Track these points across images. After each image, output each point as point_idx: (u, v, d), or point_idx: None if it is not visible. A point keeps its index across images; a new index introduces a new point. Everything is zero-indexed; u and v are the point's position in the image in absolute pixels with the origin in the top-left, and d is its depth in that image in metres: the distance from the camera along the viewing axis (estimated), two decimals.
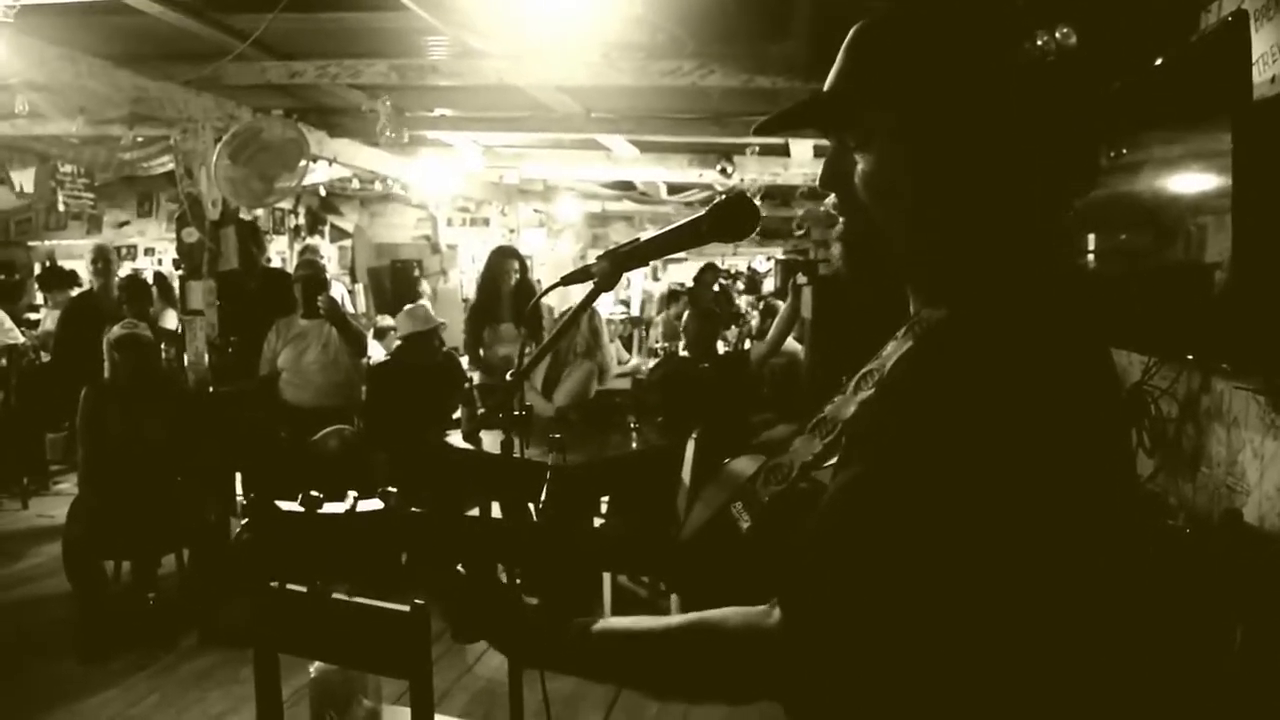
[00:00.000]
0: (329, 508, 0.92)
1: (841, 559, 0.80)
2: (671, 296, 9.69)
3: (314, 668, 2.01)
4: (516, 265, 5.14)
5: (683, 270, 14.15)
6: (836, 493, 0.83)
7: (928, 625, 0.78)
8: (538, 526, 1.02)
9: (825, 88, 0.95)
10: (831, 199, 0.99)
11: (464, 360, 5.50)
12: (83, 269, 6.87)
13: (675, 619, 0.90)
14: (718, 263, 11.87)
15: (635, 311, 12.56)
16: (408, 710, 1.86)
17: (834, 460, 0.91)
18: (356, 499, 0.93)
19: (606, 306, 10.31)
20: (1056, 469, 0.78)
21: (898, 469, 0.78)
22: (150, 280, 7.21)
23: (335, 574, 0.93)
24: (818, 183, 1.02)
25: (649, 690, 0.95)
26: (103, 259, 6.21)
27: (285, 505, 0.91)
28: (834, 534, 0.81)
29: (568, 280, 1.08)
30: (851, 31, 0.94)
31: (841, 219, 0.98)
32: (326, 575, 0.92)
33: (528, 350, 3.98)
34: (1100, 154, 2.67)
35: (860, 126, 0.92)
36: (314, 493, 0.91)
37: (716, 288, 9.54)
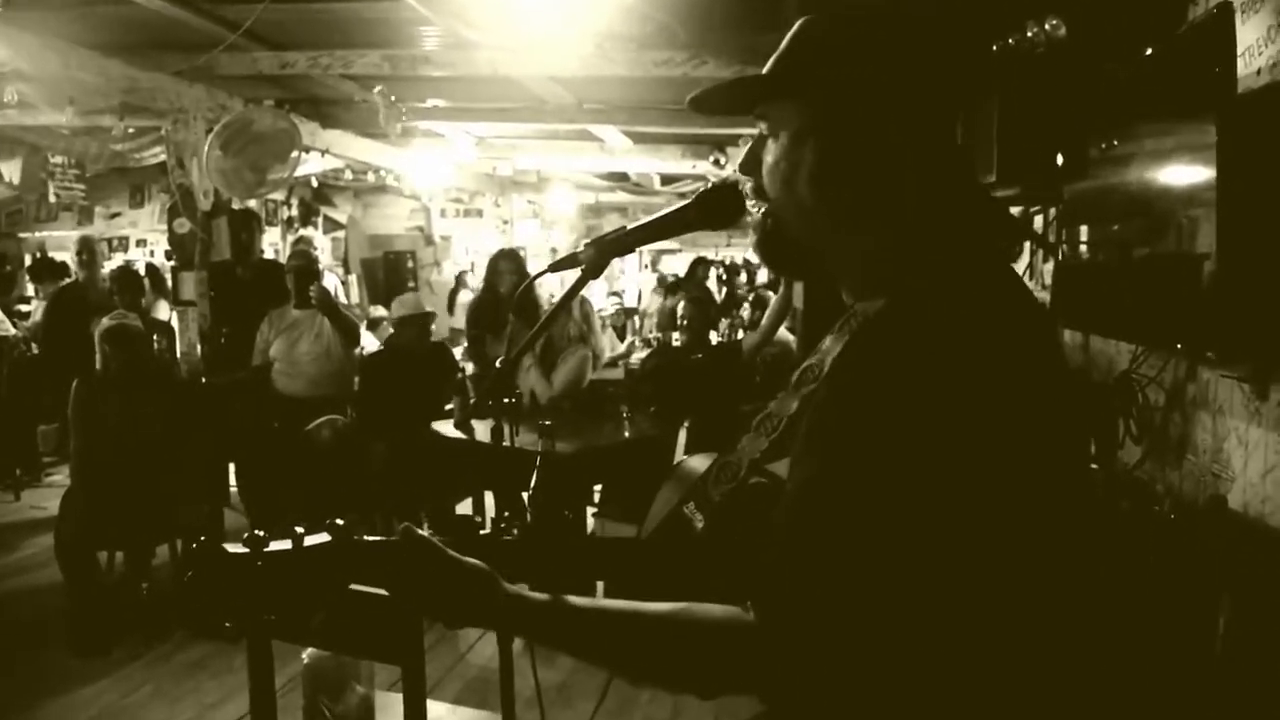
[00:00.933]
0: (275, 545, 0.90)
1: (805, 556, 0.80)
2: (669, 290, 9.67)
3: (306, 654, 2.01)
4: (513, 268, 5.09)
5: (677, 262, 14.16)
6: (795, 491, 0.84)
7: (896, 618, 0.78)
8: (504, 545, 1.00)
9: (764, 70, 0.96)
10: (750, 184, 0.99)
11: (458, 351, 5.49)
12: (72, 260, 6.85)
13: (661, 605, 0.90)
14: (712, 253, 11.84)
15: (629, 302, 12.57)
16: (400, 697, 1.87)
17: (785, 458, 0.91)
18: (303, 534, 0.91)
19: (599, 299, 10.30)
20: (1005, 449, 0.79)
21: (851, 463, 0.79)
22: (142, 271, 7.19)
23: (291, 610, 0.91)
24: (737, 167, 1.03)
25: (626, 672, 0.94)
26: (87, 250, 6.19)
27: (232, 548, 0.89)
28: (796, 532, 0.81)
29: (555, 267, 1.09)
30: (799, 22, 0.95)
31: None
32: (280, 612, 0.91)
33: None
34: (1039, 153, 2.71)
35: (779, 115, 0.93)
36: (259, 532, 0.90)
37: (717, 285, 9.47)
